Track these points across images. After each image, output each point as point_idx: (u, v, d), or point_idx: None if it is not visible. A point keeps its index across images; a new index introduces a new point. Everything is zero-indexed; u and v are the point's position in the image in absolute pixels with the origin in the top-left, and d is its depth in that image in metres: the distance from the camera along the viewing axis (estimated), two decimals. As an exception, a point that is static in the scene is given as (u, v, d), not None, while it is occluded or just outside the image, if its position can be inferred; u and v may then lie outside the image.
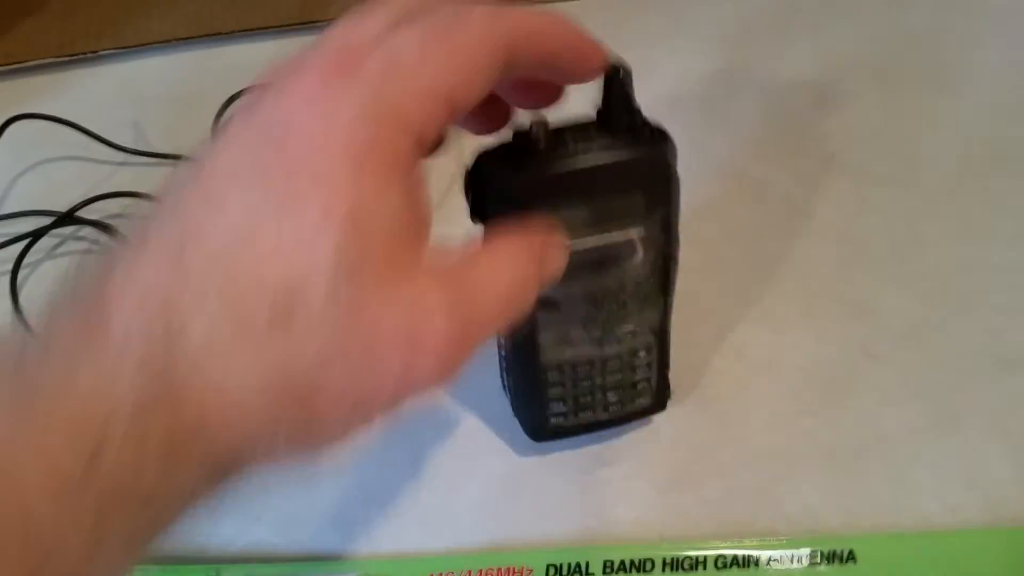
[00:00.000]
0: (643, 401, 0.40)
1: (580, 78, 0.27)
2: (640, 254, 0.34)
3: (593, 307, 0.36)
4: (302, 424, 0.21)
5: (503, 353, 0.39)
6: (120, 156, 0.52)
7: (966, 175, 0.51)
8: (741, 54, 0.57)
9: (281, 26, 0.58)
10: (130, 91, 0.56)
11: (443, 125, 0.23)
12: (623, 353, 0.38)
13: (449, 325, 0.22)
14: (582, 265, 0.33)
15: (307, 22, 0.58)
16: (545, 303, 0.34)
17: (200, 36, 0.57)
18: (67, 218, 0.49)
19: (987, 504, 0.40)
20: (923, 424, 0.43)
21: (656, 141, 0.33)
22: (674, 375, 0.43)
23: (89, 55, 0.57)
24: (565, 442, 0.41)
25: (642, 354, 0.38)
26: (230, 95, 0.49)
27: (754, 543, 0.38)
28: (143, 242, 0.21)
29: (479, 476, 0.41)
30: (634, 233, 0.34)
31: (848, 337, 0.45)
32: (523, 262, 0.26)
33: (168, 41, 0.57)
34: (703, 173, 0.52)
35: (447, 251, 0.24)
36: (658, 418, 0.43)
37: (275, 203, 0.21)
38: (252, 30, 0.57)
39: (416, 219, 0.22)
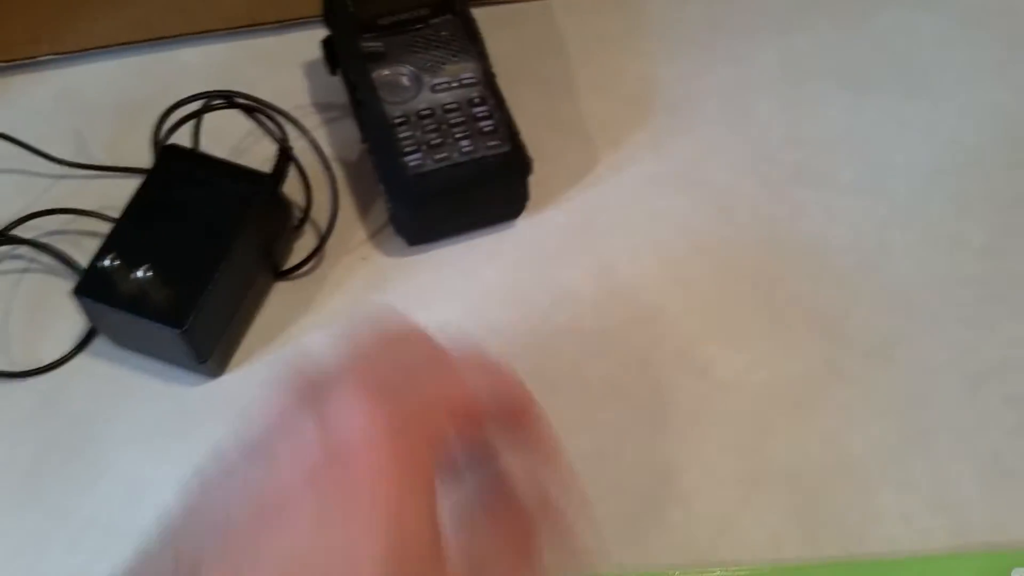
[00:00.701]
0: (496, 144, 0.45)
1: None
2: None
3: (415, 54, 0.46)
4: None
5: (371, 159, 0.46)
6: (59, 169, 0.50)
7: (935, 183, 0.50)
8: (706, 57, 0.55)
9: (228, 28, 0.55)
10: (71, 99, 0.53)
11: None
12: (460, 101, 0.45)
13: None
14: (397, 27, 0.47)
15: (254, 24, 0.55)
16: (372, 56, 0.46)
17: (145, 40, 0.55)
18: (2, 236, 0.46)
19: (955, 527, 0.39)
20: (889, 444, 0.42)
21: None
22: (635, 392, 0.42)
23: (27, 60, 0.54)
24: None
25: (477, 100, 0.45)
26: (174, 101, 0.46)
27: (716, 574, 0.37)
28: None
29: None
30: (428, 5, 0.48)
31: (814, 354, 0.44)
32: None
33: (111, 45, 0.54)
34: (667, 181, 0.50)
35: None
36: (620, 438, 0.41)
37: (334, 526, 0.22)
38: (199, 33, 0.55)
39: (440, 536, 0.24)
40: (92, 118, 0.53)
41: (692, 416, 0.42)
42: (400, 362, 0.26)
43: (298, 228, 0.47)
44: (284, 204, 0.46)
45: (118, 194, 0.47)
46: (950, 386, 0.43)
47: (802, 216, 0.49)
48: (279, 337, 0.45)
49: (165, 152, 0.44)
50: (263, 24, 0.56)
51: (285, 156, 0.45)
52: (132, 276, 0.39)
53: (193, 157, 0.45)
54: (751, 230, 0.49)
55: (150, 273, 0.39)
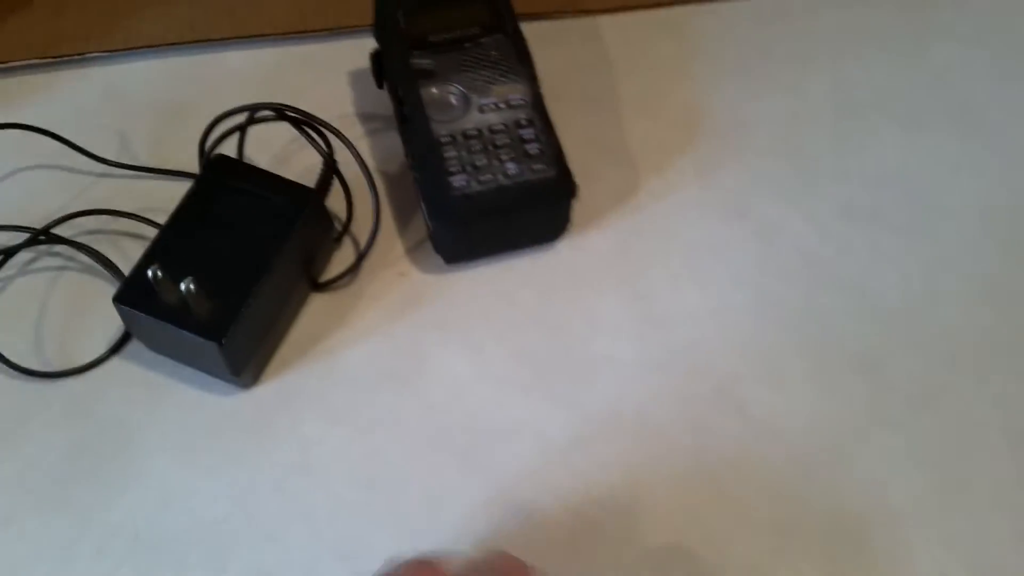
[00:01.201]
0: (542, 168, 0.44)
1: None
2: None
3: (464, 73, 0.46)
4: None
5: (415, 175, 0.46)
6: (101, 168, 0.50)
7: (988, 228, 0.49)
8: (755, 83, 0.54)
9: (279, 34, 0.55)
10: (116, 98, 0.53)
11: None
12: (507, 123, 0.45)
13: None
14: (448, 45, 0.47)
15: (306, 31, 0.55)
16: (421, 72, 0.46)
17: (193, 41, 0.55)
18: (41, 235, 0.46)
19: (993, 589, 0.38)
20: (929, 497, 0.41)
21: None
22: (670, 430, 0.42)
23: (75, 57, 0.54)
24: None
25: (524, 122, 0.45)
26: (222, 111, 0.46)
27: (746, 624, 0.36)
28: None
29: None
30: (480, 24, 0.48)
31: (854, 397, 0.43)
32: None
33: (158, 46, 0.54)
34: (710, 211, 0.49)
35: None
36: (653, 478, 0.41)
37: None
38: (248, 37, 0.55)
39: None
40: (136, 118, 0.53)
41: (727, 458, 0.42)
42: None
43: (338, 240, 0.47)
44: (327, 218, 0.45)
45: (160, 196, 0.48)
46: (992, 440, 0.42)
47: (848, 254, 0.48)
48: (313, 350, 0.45)
49: (213, 162, 0.44)
50: (311, 31, 0.55)
51: (330, 171, 0.45)
52: (175, 288, 0.39)
53: (240, 168, 0.44)
54: (795, 265, 0.48)
55: (193, 286, 0.39)
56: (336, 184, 0.47)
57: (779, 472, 0.41)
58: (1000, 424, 0.42)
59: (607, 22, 0.57)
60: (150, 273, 0.39)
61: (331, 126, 0.45)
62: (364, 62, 0.50)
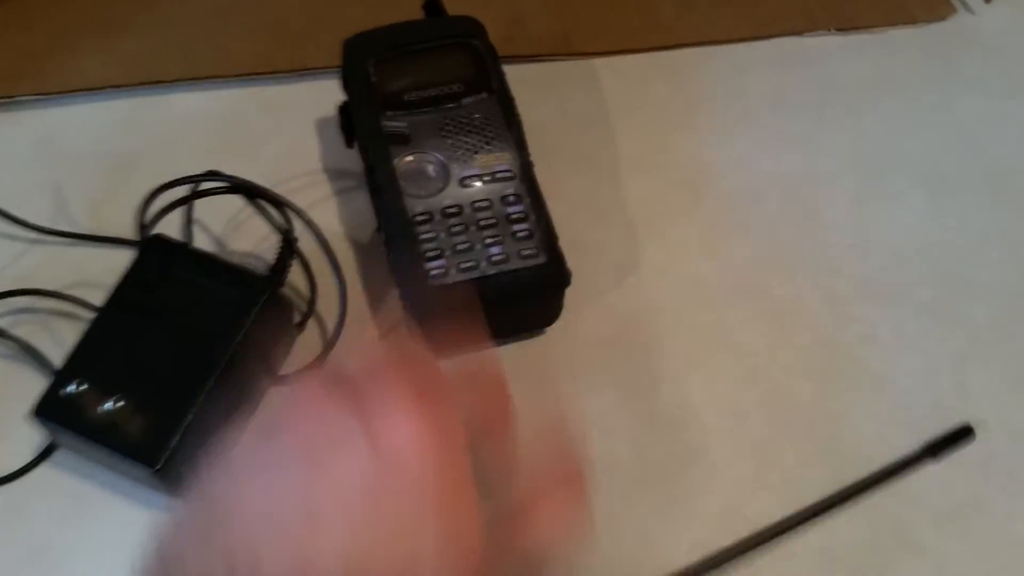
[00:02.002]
0: (531, 253, 0.38)
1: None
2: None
3: (444, 138, 0.40)
4: None
5: (386, 247, 0.40)
6: (31, 234, 0.44)
7: (1019, 308, 0.44)
8: (766, 138, 0.49)
9: (235, 76, 0.49)
10: (51, 148, 0.47)
11: None
12: (492, 198, 0.39)
13: None
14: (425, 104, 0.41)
15: (265, 72, 0.49)
16: (395, 137, 0.40)
17: (139, 84, 0.49)
18: (-42, 318, 0.41)
19: None
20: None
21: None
22: (675, 553, 0.37)
23: (3, 100, 0.48)
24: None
25: (512, 198, 0.39)
26: (164, 181, 0.40)
27: None
28: None
29: None
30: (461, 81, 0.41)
31: (880, 517, 0.39)
32: None
33: (100, 88, 0.48)
34: (717, 289, 0.44)
35: None
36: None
37: None
38: (201, 79, 0.49)
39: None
40: (73, 170, 0.47)
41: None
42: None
43: (301, 326, 0.42)
44: (286, 305, 0.40)
45: (99, 265, 0.42)
46: (1033, 566, 0.38)
47: (869, 341, 0.43)
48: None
49: (150, 244, 0.38)
50: (273, 73, 0.49)
51: (288, 251, 0.39)
52: (101, 407, 0.33)
53: (181, 252, 0.39)
54: (811, 355, 0.43)
55: (122, 403, 0.33)
56: (297, 261, 0.41)
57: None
58: (1041, 547, 0.38)
59: (602, 65, 0.51)
60: (72, 388, 0.34)
61: (289, 202, 0.40)
62: (332, 106, 0.44)
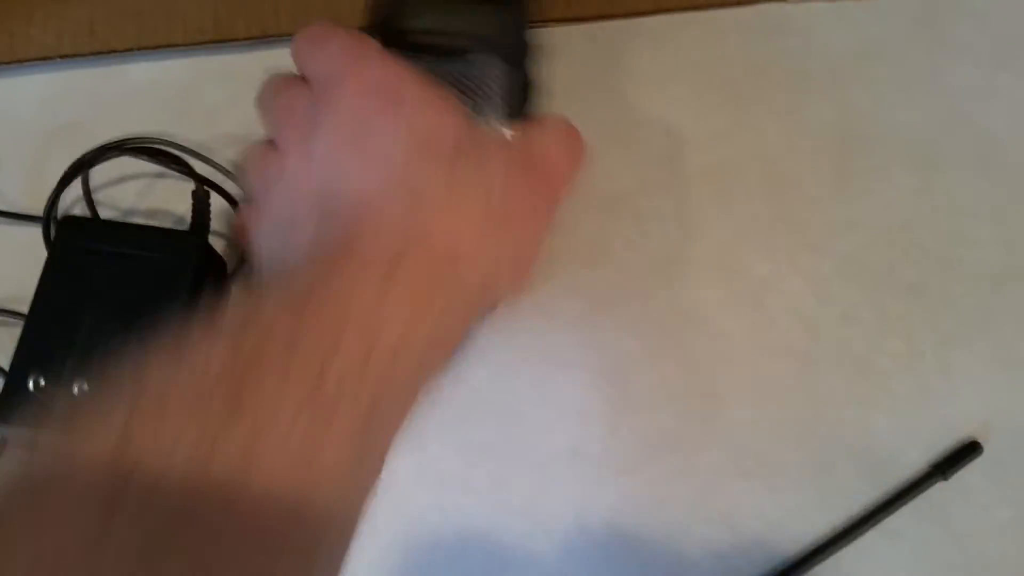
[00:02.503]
0: None
1: None
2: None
3: None
4: (512, 252, 0.30)
5: None
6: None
7: (1002, 291, 0.42)
8: (746, 108, 0.47)
9: (191, 44, 0.47)
10: (-3, 119, 0.45)
11: None
12: None
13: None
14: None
15: (222, 40, 0.47)
16: None
17: (91, 53, 0.46)
18: None
19: None
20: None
21: None
22: (652, 559, 0.35)
23: (-54, 70, 0.46)
24: None
25: None
26: (116, 140, 0.38)
27: None
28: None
29: None
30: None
31: (857, 504, 0.37)
32: None
33: (50, 58, 0.46)
34: (694, 268, 0.43)
35: None
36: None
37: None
38: (155, 47, 0.47)
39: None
40: (15, 144, 0.44)
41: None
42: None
43: (234, 275, 0.40)
44: (217, 258, 0.38)
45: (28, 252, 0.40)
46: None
47: (851, 323, 0.41)
48: None
49: (64, 227, 0.36)
50: (231, 40, 0.47)
51: (203, 204, 0.37)
52: (66, 393, 0.32)
53: (97, 227, 0.37)
54: (792, 337, 0.41)
55: (87, 386, 0.31)
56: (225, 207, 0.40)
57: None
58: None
59: (578, 32, 0.49)
60: (31, 383, 0.32)
61: (191, 149, 0.38)
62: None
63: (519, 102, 0.37)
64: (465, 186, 0.28)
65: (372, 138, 0.28)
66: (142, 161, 0.41)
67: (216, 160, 0.41)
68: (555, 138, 0.33)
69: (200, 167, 0.40)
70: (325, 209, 0.27)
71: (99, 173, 0.41)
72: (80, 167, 0.38)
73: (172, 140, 0.40)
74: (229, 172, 0.41)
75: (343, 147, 0.28)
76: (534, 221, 0.30)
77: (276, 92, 0.32)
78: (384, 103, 0.28)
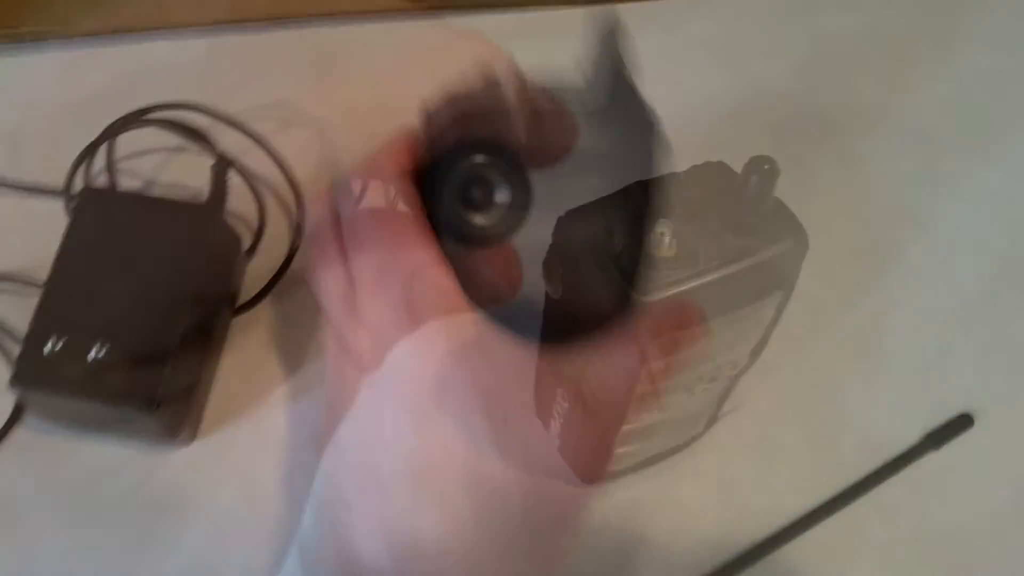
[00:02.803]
0: None
1: None
2: None
3: None
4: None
5: None
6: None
7: (1004, 273, 0.43)
8: (759, 89, 0.48)
9: (209, 24, 0.48)
10: (13, 93, 0.46)
11: None
12: None
13: None
14: None
15: (239, 21, 0.48)
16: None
17: (111, 32, 0.47)
18: None
19: None
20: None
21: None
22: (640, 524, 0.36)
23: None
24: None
25: None
26: (145, 106, 0.39)
27: None
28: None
29: None
30: None
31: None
32: None
33: (72, 35, 0.47)
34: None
35: None
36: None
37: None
38: (174, 27, 0.47)
39: None
40: (33, 118, 0.45)
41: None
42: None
43: (251, 252, 0.41)
44: (231, 233, 0.39)
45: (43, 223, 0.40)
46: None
47: (854, 304, 0.42)
48: (249, 385, 0.39)
49: (84, 198, 0.37)
50: (248, 21, 0.48)
51: (222, 176, 0.38)
52: (83, 357, 0.33)
53: (116, 199, 0.38)
54: (794, 317, 0.42)
55: (106, 349, 0.33)
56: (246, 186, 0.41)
57: None
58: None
59: (587, 16, 0.50)
60: (48, 347, 0.33)
61: (223, 115, 0.39)
62: (307, 57, 0.42)
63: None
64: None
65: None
66: (162, 134, 0.41)
67: (247, 127, 0.41)
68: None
69: (229, 136, 0.41)
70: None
71: (120, 146, 0.42)
72: (111, 133, 0.39)
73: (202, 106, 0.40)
74: (259, 140, 0.42)
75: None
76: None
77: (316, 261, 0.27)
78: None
